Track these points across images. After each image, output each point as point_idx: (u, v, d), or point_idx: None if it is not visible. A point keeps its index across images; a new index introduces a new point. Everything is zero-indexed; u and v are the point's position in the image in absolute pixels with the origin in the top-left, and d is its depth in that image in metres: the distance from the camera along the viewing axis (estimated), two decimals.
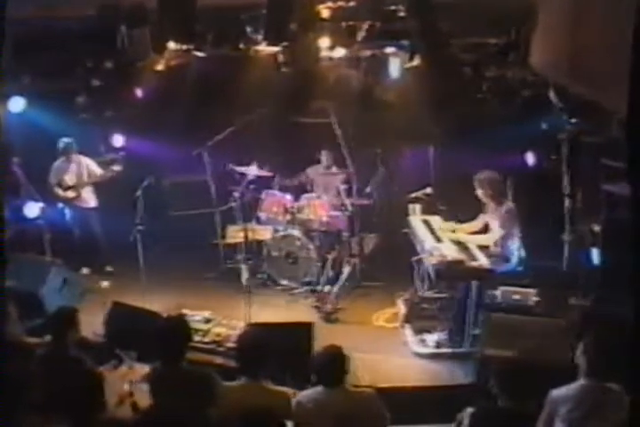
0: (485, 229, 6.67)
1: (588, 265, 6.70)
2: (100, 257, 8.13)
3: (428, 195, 7.26)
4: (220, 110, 8.48)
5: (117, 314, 6.17)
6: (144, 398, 4.31)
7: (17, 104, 7.43)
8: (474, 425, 3.86)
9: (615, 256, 5.91)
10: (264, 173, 7.99)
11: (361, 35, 8.41)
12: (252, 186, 7.99)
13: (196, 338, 6.04)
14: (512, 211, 6.42)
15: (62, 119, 7.94)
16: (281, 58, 8.63)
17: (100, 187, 8.16)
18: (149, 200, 7.08)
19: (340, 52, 8.42)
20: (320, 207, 7.89)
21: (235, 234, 8.14)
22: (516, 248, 6.39)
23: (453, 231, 6.75)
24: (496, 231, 6.42)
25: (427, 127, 8.26)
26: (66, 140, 7.88)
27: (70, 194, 7.96)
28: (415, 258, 6.71)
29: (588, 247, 6.78)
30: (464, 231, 6.76)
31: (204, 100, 8.51)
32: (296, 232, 7.84)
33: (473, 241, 6.52)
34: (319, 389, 4.11)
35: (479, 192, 6.51)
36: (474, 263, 6.05)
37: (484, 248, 6.40)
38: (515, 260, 6.38)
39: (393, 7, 8.12)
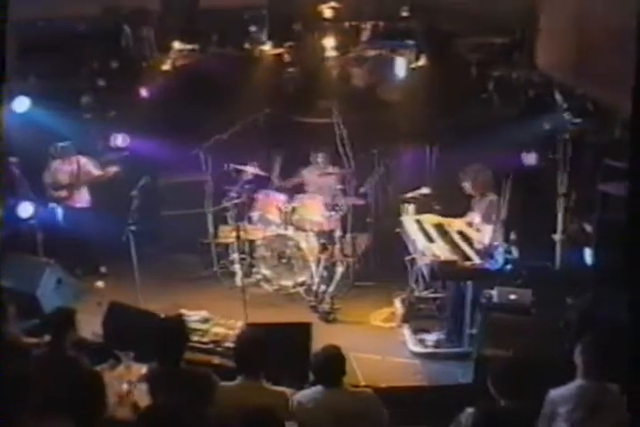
0: (471, 226, 6.63)
1: (580, 265, 6.65)
2: (94, 257, 8.10)
3: (425, 195, 7.22)
4: (224, 110, 8.46)
5: (115, 314, 6.14)
6: (143, 398, 4.32)
7: (22, 104, 7.45)
8: (473, 425, 3.84)
9: (609, 256, 5.85)
10: (262, 172, 7.98)
11: (365, 34, 8.42)
12: (247, 186, 7.93)
13: (195, 338, 6.06)
14: (494, 203, 6.36)
15: (67, 119, 7.90)
16: (286, 58, 8.64)
17: (95, 187, 8.14)
18: (145, 200, 7.05)
19: (344, 51, 8.42)
20: (313, 207, 7.85)
21: (227, 234, 8.10)
22: (500, 245, 6.34)
23: (441, 225, 6.71)
24: (482, 227, 6.39)
25: (432, 127, 8.23)
26: (62, 144, 7.80)
27: (62, 193, 7.91)
28: (408, 258, 6.69)
29: (580, 247, 6.74)
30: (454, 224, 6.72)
31: (208, 100, 8.51)
32: (289, 232, 7.79)
33: (466, 231, 6.48)
34: (319, 388, 4.11)
35: (466, 185, 6.48)
36: (467, 263, 6.00)
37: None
38: (500, 257, 6.29)
39: (397, 7, 8.13)
